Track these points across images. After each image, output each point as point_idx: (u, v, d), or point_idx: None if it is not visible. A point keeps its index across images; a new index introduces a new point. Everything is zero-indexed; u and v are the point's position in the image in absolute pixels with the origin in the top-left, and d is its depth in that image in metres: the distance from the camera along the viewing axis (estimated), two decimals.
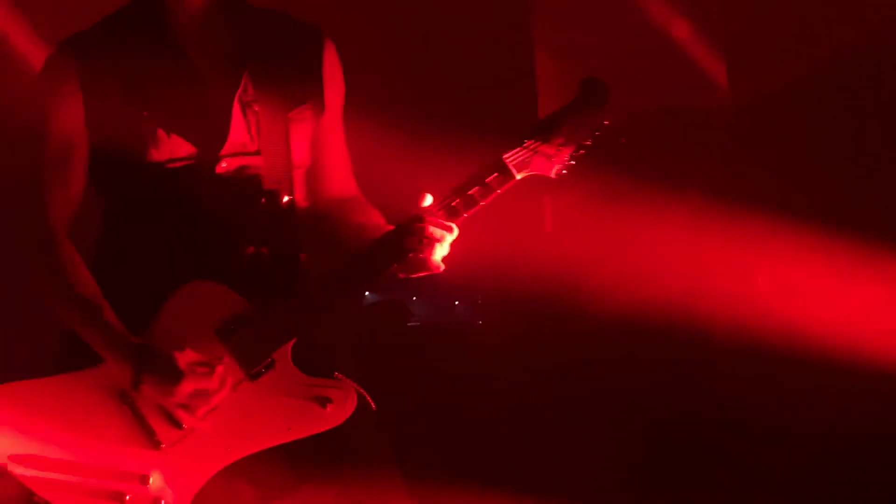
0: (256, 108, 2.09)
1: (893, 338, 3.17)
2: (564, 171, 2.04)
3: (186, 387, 1.96)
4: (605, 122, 2.00)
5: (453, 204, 2.02)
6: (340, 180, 2.26)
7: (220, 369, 2.01)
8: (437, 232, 2.01)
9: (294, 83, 2.15)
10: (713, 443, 3.36)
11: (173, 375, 1.96)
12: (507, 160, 2.02)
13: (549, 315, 3.57)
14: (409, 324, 3.74)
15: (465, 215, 2.01)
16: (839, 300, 3.38)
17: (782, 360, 3.33)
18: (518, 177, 2.03)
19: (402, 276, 2.05)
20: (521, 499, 3.00)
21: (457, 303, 3.81)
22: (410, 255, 2.01)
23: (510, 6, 3.88)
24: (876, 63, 3.51)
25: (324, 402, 2.03)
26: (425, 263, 2.00)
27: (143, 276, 2.09)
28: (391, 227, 2.05)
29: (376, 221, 2.15)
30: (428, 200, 2.02)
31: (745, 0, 3.83)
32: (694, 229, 3.45)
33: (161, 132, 2.06)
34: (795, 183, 3.48)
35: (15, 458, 1.99)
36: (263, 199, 2.14)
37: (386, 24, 3.77)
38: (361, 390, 2.09)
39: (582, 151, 2.03)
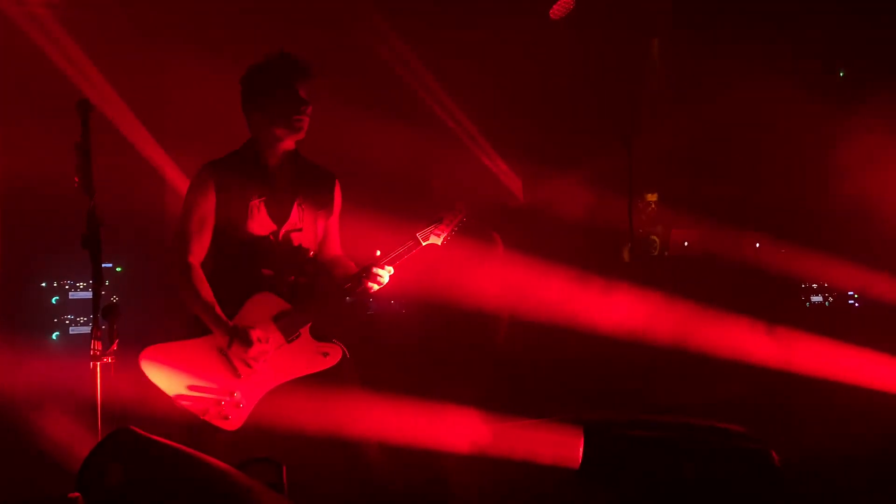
0: (303, 207, 2.97)
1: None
2: (446, 242, 2.98)
3: (254, 348, 2.76)
4: (464, 219, 3.01)
5: (392, 256, 2.90)
6: (334, 247, 3.12)
7: (271, 338, 2.79)
8: (383, 271, 2.89)
9: (320, 199, 3.02)
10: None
11: (247, 341, 2.76)
12: (418, 235, 2.94)
13: (436, 306, 5.10)
14: (368, 313, 5.70)
15: (398, 263, 2.91)
16: (572, 295, 5.17)
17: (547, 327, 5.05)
18: (423, 244, 2.94)
19: (369, 292, 2.89)
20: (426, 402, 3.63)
21: (392, 301, 5.81)
22: (368, 281, 2.86)
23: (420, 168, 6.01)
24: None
25: (325, 354, 2.86)
26: (376, 286, 2.89)
27: (236, 288, 2.87)
28: (359, 269, 2.91)
29: (352, 265, 3.03)
30: (378, 254, 2.90)
31: (532, 153, 6.20)
32: (506, 260, 5.28)
33: (255, 213, 2.88)
34: (553, 241, 5.63)
35: (173, 388, 2.69)
36: (301, 253, 2.99)
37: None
38: (344, 347, 2.91)
39: (455, 232, 2.99)
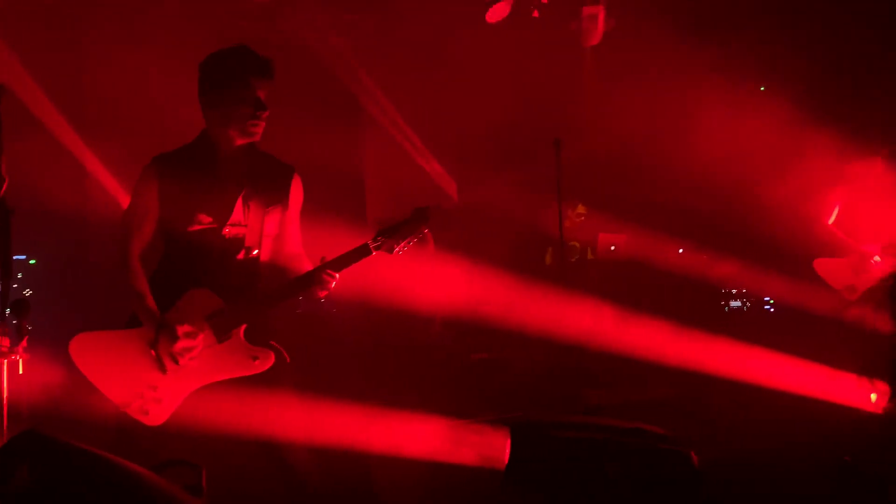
0: (249, 203, 2.89)
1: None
2: (401, 252, 2.88)
3: (181, 343, 2.73)
4: (426, 231, 2.89)
5: (339, 264, 2.82)
6: (293, 244, 3.03)
7: (201, 335, 2.77)
8: (329, 277, 2.81)
9: (271, 194, 2.94)
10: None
11: (173, 336, 2.74)
12: (370, 244, 2.87)
13: (367, 305, 5.13)
14: (297, 311, 5.58)
15: (343, 270, 2.82)
16: (504, 296, 5.36)
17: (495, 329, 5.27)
18: (374, 253, 2.86)
19: (313, 297, 2.83)
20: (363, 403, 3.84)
21: (321, 300, 5.07)
22: (316, 286, 2.78)
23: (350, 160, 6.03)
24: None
25: (254, 358, 2.81)
26: (320, 293, 2.81)
27: (174, 283, 2.85)
28: (308, 271, 2.84)
29: (308, 265, 2.90)
30: (323, 259, 2.84)
31: (468, 156, 6.28)
32: (437, 258, 5.28)
33: (197, 209, 2.83)
34: (485, 242, 5.92)
35: (98, 378, 2.65)
36: (243, 251, 2.93)
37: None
38: (283, 351, 2.89)
39: (413, 243, 2.90)
